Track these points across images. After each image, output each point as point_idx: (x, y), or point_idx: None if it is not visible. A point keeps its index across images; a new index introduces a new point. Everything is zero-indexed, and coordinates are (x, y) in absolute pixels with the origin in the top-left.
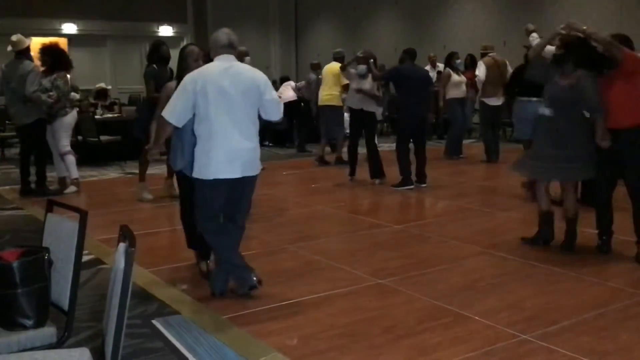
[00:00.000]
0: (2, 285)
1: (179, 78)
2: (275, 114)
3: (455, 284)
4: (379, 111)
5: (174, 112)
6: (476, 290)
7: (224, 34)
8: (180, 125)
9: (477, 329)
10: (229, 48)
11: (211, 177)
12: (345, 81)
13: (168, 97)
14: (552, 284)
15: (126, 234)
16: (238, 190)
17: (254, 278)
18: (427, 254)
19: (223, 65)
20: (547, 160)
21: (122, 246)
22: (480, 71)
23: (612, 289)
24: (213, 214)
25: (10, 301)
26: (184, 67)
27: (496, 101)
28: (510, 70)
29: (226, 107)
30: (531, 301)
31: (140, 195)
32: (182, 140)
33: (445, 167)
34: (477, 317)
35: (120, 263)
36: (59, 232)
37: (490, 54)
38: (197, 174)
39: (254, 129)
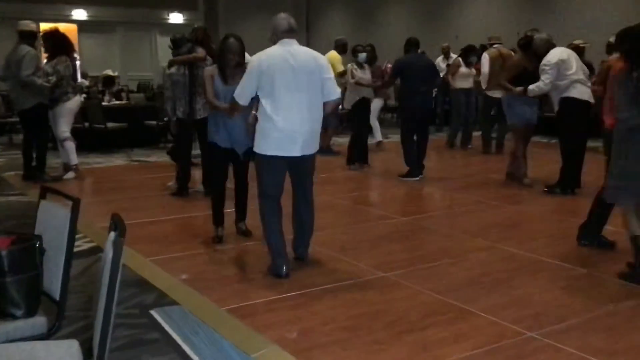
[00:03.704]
0: None
1: (218, 62)
2: (334, 92)
3: (460, 278)
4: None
5: (242, 94)
6: (482, 285)
7: (283, 20)
8: (246, 104)
9: (482, 325)
10: (290, 32)
11: (270, 154)
12: (341, 68)
13: (209, 78)
14: (561, 280)
15: (117, 223)
16: (299, 168)
17: (284, 268)
18: (433, 247)
19: (287, 48)
20: None
21: (112, 235)
22: (484, 64)
23: (623, 286)
24: (271, 189)
25: None
26: (220, 55)
27: (499, 94)
28: None
29: (291, 87)
30: (539, 297)
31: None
32: (217, 118)
33: (454, 158)
34: (482, 313)
35: (109, 253)
36: (52, 220)
37: (495, 46)
38: (258, 149)
39: (318, 109)
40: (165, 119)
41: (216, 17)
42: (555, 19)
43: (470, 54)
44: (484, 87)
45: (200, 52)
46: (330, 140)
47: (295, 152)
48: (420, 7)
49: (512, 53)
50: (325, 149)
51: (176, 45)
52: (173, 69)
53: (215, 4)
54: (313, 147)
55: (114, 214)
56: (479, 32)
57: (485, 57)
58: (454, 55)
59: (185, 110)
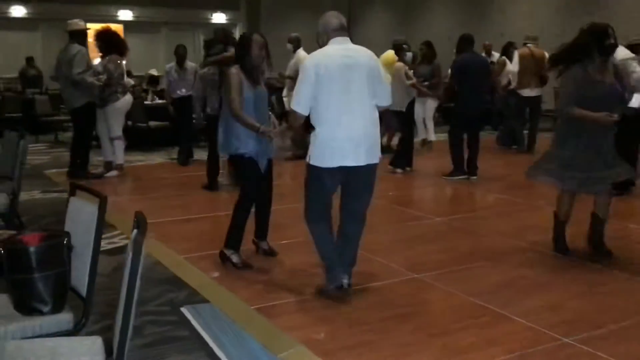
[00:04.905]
0: (19, 269)
1: (241, 64)
2: (387, 98)
3: (495, 281)
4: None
5: (300, 102)
6: (517, 289)
7: (333, 17)
8: (307, 114)
9: (516, 330)
10: (342, 30)
11: (329, 166)
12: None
13: (238, 85)
14: (599, 285)
15: (139, 221)
16: (359, 179)
17: (344, 278)
18: (468, 248)
19: (341, 48)
20: (583, 170)
21: (134, 233)
22: (513, 61)
23: None
24: (323, 205)
25: (27, 286)
26: (245, 54)
27: (529, 92)
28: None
29: (350, 90)
30: (575, 302)
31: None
32: (231, 127)
33: (497, 157)
34: (516, 317)
35: (130, 251)
36: (80, 217)
37: (528, 44)
38: (316, 161)
39: (376, 113)
40: (193, 116)
41: (258, 16)
42: (604, 16)
43: (511, 50)
44: (513, 85)
45: (232, 52)
46: (392, 140)
47: (359, 160)
48: (464, 4)
49: (545, 53)
50: (387, 148)
51: (208, 46)
52: (205, 70)
53: (257, 4)
54: (376, 156)
55: (137, 212)
56: (524, 30)
57: (516, 55)
58: (496, 54)
59: (214, 107)
